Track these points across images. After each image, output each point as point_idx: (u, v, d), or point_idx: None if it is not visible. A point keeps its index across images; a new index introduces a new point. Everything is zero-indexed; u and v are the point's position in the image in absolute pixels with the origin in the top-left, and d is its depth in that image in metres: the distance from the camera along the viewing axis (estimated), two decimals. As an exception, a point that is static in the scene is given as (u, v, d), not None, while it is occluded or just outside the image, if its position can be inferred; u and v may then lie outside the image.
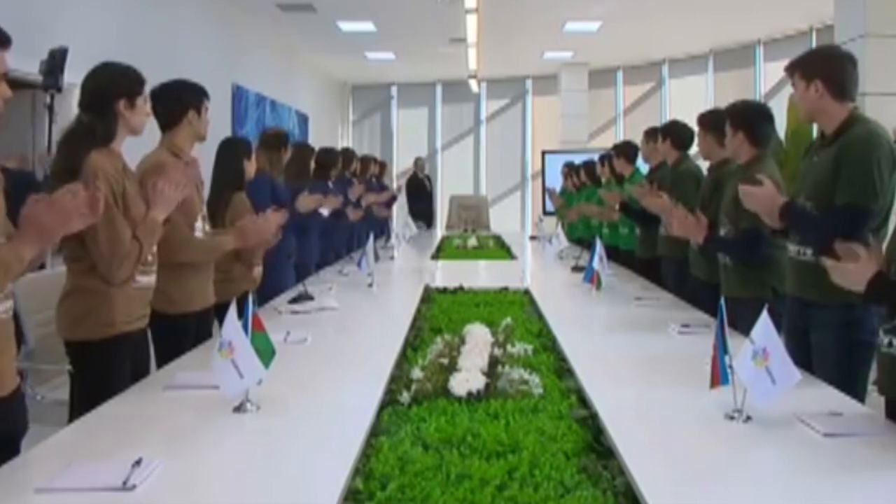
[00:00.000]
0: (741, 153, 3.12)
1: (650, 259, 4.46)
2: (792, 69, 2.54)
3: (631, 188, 4.80)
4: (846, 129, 2.42)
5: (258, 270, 3.45)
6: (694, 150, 4.11)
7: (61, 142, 2.26)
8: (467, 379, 2.02)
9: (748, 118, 3.11)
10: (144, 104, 2.35)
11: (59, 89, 4.46)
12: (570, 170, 7.89)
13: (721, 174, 3.49)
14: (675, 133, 4.36)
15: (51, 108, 4.66)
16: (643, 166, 5.27)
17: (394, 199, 8.30)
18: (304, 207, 4.36)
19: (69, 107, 5.16)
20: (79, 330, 2.25)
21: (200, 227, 2.81)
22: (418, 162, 10.61)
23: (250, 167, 3.49)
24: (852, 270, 1.92)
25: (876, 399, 2.16)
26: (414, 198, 10.27)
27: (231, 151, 3.46)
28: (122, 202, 2.23)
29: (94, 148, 2.18)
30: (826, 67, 2.46)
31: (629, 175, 5.37)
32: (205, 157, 3.08)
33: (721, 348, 1.83)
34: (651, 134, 4.76)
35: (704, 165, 3.94)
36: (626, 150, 5.53)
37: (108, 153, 2.23)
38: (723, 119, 3.60)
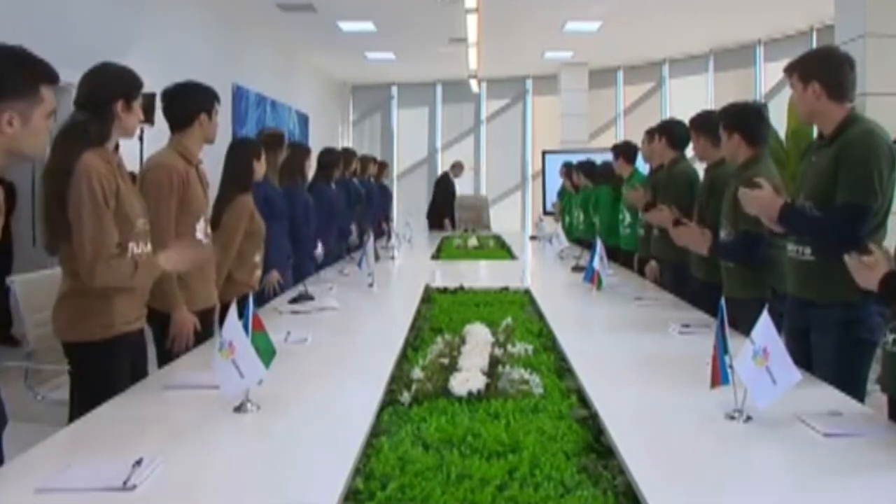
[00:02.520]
0: (738, 154, 3.11)
1: (650, 259, 4.45)
2: (790, 71, 2.54)
3: (627, 192, 4.80)
4: (844, 130, 2.42)
5: (258, 273, 3.45)
6: (690, 153, 4.11)
7: (56, 140, 2.25)
8: (468, 379, 2.02)
9: (742, 119, 3.10)
10: (139, 107, 2.35)
11: (152, 123, 4.98)
12: (568, 170, 7.90)
13: (718, 175, 3.48)
14: (671, 132, 4.35)
15: (141, 139, 5.32)
16: (643, 167, 5.26)
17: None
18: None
19: (67, 106, 5.17)
20: (76, 331, 2.24)
21: (202, 229, 2.80)
22: (455, 167, 10.44)
23: (259, 168, 3.50)
24: (866, 271, 1.93)
25: (876, 399, 2.16)
26: (440, 199, 10.11)
27: (240, 152, 3.47)
28: (115, 201, 2.21)
29: (88, 147, 2.18)
30: (823, 69, 2.46)
31: (628, 176, 5.36)
32: (210, 157, 3.08)
33: (721, 348, 1.83)
34: (652, 133, 4.75)
35: (701, 166, 3.94)
36: (625, 151, 5.51)
37: (101, 152, 2.22)
38: (715, 121, 3.61)
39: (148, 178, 2.64)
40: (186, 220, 2.71)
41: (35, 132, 1.75)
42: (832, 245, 2.29)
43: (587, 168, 6.74)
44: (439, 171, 14.03)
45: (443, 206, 10.02)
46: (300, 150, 4.78)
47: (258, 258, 3.43)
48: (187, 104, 2.80)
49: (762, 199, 2.57)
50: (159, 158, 2.72)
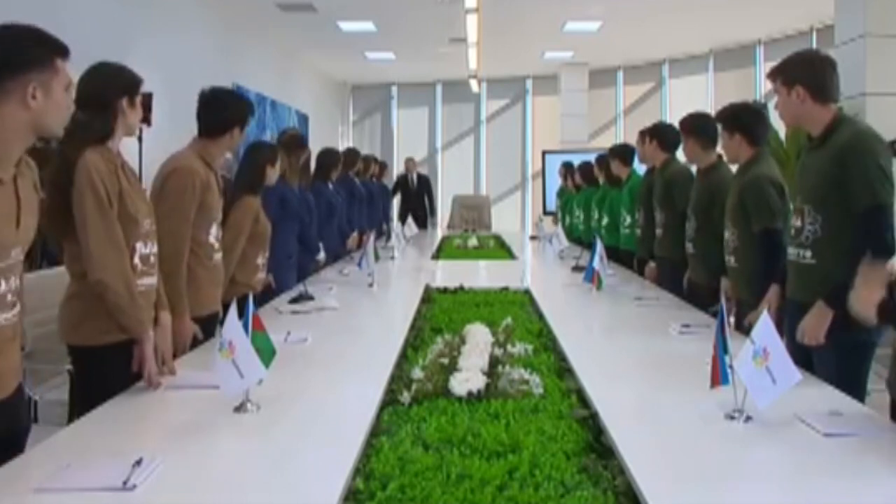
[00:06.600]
0: (741, 154, 3.11)
1: (650, 259, 4.44)
2: (773, 76, 2.54)
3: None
4: (834, 132, 2.42)
5: (260, 275, 3.45)
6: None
7: (61, 141, 2.25)
8: (467, 379, 2.02)
9: (743, 119, 3.10)
10: (140, 104, 2.35)
11: (149, 123, 5.47)
12: (567, 170, 7.90)
13: (716, 179, 3.48)
14: (661, 135, 4.32)
15: (140, 139, 5.50)
16: (639, 168, 5.24)
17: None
18: None
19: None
20: (81, 334, 2.22)
21: (215, 234, 2.80)
22: (407, 163, 10.69)
23: (272, 173, 3.50)
24: (862, 297, 1.90)
25: (876, 399, 2.17)
26: (401, 198, 10.33)
27: (254, 156, 3.47)
28: (119, 201, 2.20)
29: (91, 146, 2.17)
30: (806, 72, 2.46)
31: (626, 177, 5.35)
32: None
33: (721, 348, 1.83)
34: (643, 135, 4.72)
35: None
36: (621, 153, 5.49)
37: (103, 151, 2.21)
38: (705, 123, 3.59)
39: (171, 181, 2.62)
40: (202, 225, 2.71)
41: (57, 105, 1.77)
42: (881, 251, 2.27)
43: (587, 171, 6.74)
44: (439, 171, 14.09)
45: (403, 203, 10.25)
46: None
47: (260, 260, 3.42)
48: (225, 114, 2.80)
49: (808, 328, 2.37)
50: (182, 161, 2.69)
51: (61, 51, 1.80)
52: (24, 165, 1.76)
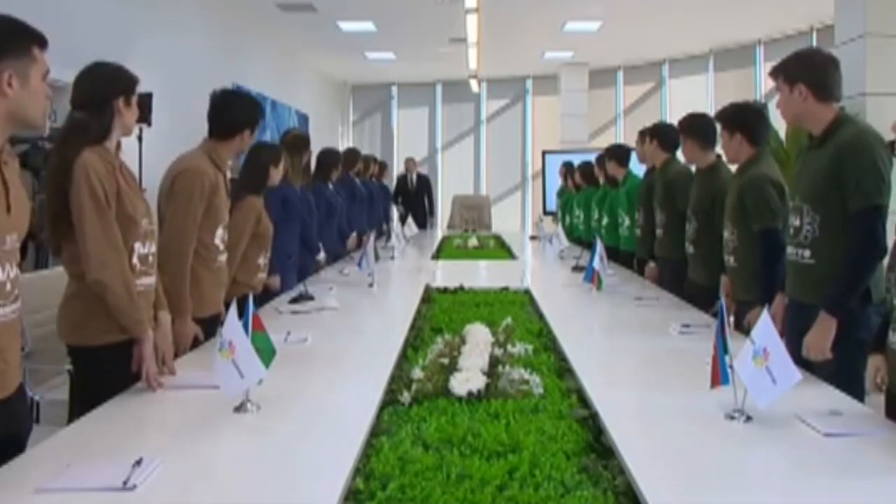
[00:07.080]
0: (741, 154, 3.10)
1: (650, 259, 4.44)
2: (775, 74, 2.53)
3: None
4: (835, 131, 2.41)
5: (261, 275, 3.45)
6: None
7: (58, 141, 2.25)
8: (468, 379, 2.02)
9: (744, 119, 3.09)
10: (136, 104, 2.35)
11: (149, 123, 5.61)
12: (567, 169, 7.90)
13: (715, 179, 3.47)
14: (662, 134, 4.31)
15: (140, 139, 5.62)
16: (637, 168, 5.23)
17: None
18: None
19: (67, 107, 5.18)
20: (80, 335, 2.22)
21: (220, 236, 2.80)
22: (407, 163, 10.69)
23: (276, 174, 3.52)
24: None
25: (876, 399, 2.16)
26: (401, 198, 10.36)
27: (258, 157, 3.48)
28: (116, 202, 2.20)
29: (88, 146, 2.17)
30: (808, 70, 2.45)
31: (623, 178, 5.34)
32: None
33: (721, 348, 1.83)
34: (643, 135, 4.72)
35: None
36: (616, 153, 5.48)
37: (101, 151, 2.20)
38: (704, 123, 3.58)
39: (179, 181, 2.62)
40: (208, 226, 2.70)
41: (35, 94, 1.75)
42: (869, 258, 2.29)
43: (587, 171, 6.74)
44: (439, 171, 14.10)
45: (403, 203, 10.24)
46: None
47: (262, 261, 3.42)
48: (236, 116, 2.81)
49: (814, 342, 2.35)
50: (192, 162, 2.69)
51: (38, 39, 1.78)
52: (6, 154, 1.74)
